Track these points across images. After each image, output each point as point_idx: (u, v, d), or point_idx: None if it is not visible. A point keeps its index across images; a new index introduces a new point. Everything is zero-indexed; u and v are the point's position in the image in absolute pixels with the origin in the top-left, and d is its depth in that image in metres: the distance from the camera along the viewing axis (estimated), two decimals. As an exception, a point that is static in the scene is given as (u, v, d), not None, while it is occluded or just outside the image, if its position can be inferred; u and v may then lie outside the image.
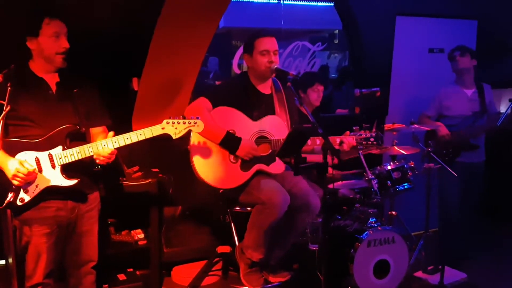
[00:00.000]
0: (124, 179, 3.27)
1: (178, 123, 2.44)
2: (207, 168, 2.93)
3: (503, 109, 4.95)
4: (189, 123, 2.46)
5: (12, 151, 2.29)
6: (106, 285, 3.22)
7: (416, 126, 3.66)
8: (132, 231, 3.54)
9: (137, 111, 3.50)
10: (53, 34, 2.37)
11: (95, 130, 2.59)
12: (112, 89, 3.43)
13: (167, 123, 2.43)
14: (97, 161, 2.41)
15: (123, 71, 3.41)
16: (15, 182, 2.25)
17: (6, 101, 2.17)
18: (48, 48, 2.38)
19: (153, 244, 3.42)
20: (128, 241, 3.44)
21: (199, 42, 3.49)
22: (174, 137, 2.45)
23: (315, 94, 3.79)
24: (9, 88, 2.18)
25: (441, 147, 3.81)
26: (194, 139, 2.94)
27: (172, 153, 3.19)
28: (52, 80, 2.47)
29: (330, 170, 3.75)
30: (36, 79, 2.43)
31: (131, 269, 3.47)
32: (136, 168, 3.48)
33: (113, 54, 3.17)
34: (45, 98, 2.42)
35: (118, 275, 3.38)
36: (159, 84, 3.50)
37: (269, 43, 2.98)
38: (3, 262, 3.39)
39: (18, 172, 2.23)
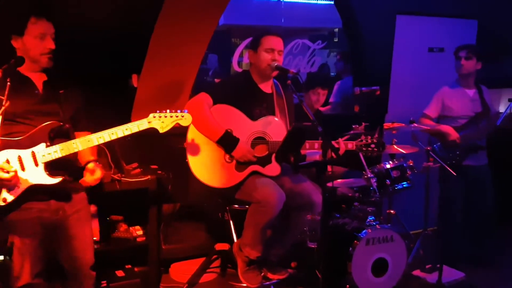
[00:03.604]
0: (123, 175, 3.28)
1: (165, 116, 2.36)
2: (202, 166, 2.92)
3: (502, 109, 4.96)
4: (176, 116, 2.37)
5: None
6: (104, 282, 3.22)
7: (417, 125, 3.65)
8: (130, 228, 3.55)
9: (137, 107, 3.50)
10: (38, 35, 2.31)
11: (79, 135, 2.48)
12: (111, 86, 3.44)
13: (154, 117, 2.36)
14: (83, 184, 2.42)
15: (122, 68, 3.41)
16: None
17: (5, 97, 2.15)
18: (33, 48, 2.32)
19: (151, 241, 3.42)
20: (127, 238, 3.45)
21: (199, 39, 3.49)
22: (161, 131, 2.36)
23: (315, 97, 3.82)
24: (8, 83, 2.16)
25: (447, 150, 3.77)
26: (191, 136, 2.93)
27: (171, 150, 3.19)
28: (39, 79, 2.41)
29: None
30: (22, 78, 2.36)
31: (129, 266, 3.48)
32: (135, 164, 3.48)
33: (112, 50, 3.16)
34: (31, 97, 2.35)
35: (116, 272, 3.39)
36: (159, 81, 3.49)
37: (275, 42, 3.00)
38: (1, 257, 3.39)
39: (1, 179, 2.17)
